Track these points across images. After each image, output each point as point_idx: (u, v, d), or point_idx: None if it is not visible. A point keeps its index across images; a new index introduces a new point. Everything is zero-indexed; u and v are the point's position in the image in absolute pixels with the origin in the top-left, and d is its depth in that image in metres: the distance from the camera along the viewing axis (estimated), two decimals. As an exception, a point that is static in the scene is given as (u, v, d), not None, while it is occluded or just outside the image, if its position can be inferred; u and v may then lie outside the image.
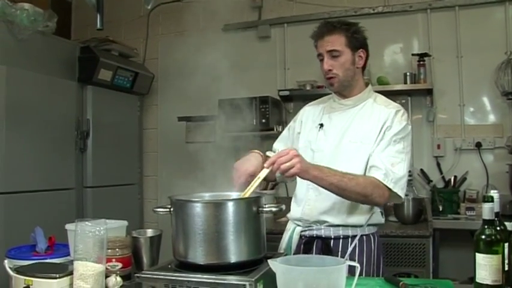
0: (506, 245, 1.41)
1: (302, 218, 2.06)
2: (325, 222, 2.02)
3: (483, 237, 1.42)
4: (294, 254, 2.04)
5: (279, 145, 2.30)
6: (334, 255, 1.95)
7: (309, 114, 2.23)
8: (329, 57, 2.02)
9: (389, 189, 1.91)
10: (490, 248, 1.40)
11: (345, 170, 1.89)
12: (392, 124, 2.00)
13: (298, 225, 2.09)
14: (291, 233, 2.11)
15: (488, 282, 1.39)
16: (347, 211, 2.00)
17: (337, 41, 2.01)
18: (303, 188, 2.09)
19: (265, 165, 1.74)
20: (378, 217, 2.07)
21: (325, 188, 1.85)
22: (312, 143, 2.12)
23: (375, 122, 2.02)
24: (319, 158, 2.04)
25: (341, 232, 2.02)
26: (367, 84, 2.16)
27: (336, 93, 2.14)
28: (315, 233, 2.05)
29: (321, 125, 2.13)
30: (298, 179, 2.07)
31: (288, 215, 2.19)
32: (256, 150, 2.02)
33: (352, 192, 1.85)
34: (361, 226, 2.01)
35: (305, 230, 2.07)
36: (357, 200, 1.93)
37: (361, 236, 2.02)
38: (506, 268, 1.41)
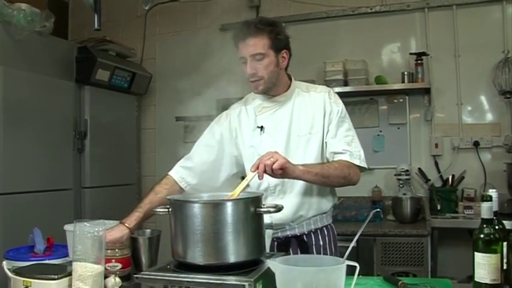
0: (504, 244, 1.42)
1: (273, 223, 2.02)
2: (300, 217, 2.03)
3: (482, 236, 1.42)
4: None
5: (200, 150, 2.18)
6: (310, 249, 2.03)
7: (239, 119, 2.15)
8: (253, 60, 1.96)
9: (357, 165, 2.00)
10: (488, 247, 1.40)
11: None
12: (332, 107, 2.05)
13: (267, 228, 2.01)
14: None
15: (487, 281, 1.39)
16: (317, 198, 2.04)
17: (260, 44, 1.95)
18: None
19: (251, 169, 1.73)
20: (335, 197, 2.16)
21: (310, 180, 1.90)
22: (257, 148, 2.07)
23: (315, 110, 2.05)
24: None
25: (312, 226, 2.06)
26: (289, 77, 2.15)
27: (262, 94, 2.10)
28: (288, 233, 2.05)
29: (261, 128, 2.08)
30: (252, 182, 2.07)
31: None
32: (125, 223, 1.91)
33: (334, 177, 1.93)
34: (326, 213, 2.09)
35: (277, 232, 2.05)
36: (338, 183, 2.00)
37: (327, 225, 2.10)
38: (505, 267, 1.41)
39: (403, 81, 3.80)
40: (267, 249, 1.99)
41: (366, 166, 2.03)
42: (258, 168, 1.70)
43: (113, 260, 1.71)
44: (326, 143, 2.03)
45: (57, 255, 1.90)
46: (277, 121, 2.07)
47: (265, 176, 1.78)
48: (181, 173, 2.13)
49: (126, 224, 1.88)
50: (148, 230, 1.99)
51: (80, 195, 3.79)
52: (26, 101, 3.25)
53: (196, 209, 1.53)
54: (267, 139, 2.06)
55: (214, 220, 1.50)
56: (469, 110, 3.83)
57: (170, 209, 1.60)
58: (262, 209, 1.59)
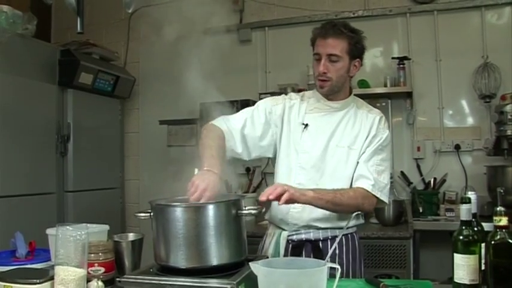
0: (483, 245, 1.44)
1: (290, 221, 2.03)
2: (315, 227, 2.03)
3: (461, 237, 1.44)
4: None
5: (247, 119, 2.11)
6: (325, 256, 1.97)
7: (290, 111, 2.14)
8: (327, 60, 1.99)
9: (376, 197, 1.98)
10: (467, 248, 1.43)
11: (334, 175, 2.00)
12: (377, 132, 2.06)
13: (284, 230, 2.06)
14: (278, 237, 2.08)
15: (466, 281, 1.42)
16: (337, 216, 2.02)
17: (339, 46, 1.98)
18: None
19: (260, 198, 1.72)
20: (361, 218, 2.12)
21: (322, 207, 1.89)
22: (295, 144, 2.08)
23: (361, 128, 2.06)
24: (304, 160, 2.04)
25: (329, 233, 2.04)
26: (350, 89, 2.17)
27: (323, 95, 2.12)
28: (303, 236, 2.04)
29: (306, 125, 2.09)
30: (278, 178, 2.10)
31: (268, 218, 2.15)
32: (211, 168, 1.78)
33: (346, 205, 1.91)
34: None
35: (292, 234, 2.05)
36: (350, 211, 1.96)
37: (346, 234, 2.06)
38: (483, 268, 1.44)
39: (385, 85, 3.84)
40: (282, 251, 2.03)
41: (386, 201, 2.03)
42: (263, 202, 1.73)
43: (96, 264, 1.71)
44: (358, 163, 2.03)
45: (39, 260, 1.89)
46: (322, 124, 2.08)
47: (290, 176, 2.01)
48: (226, 128, 2.07)
49: (215, 171, 1.77)
50: (131, 234, 1.99)
51: (63, 199, 3.76)
52: (8, 104, 3.22)
53: (178, 212, 1.54)
54: (307, 138, 2.07)
55: (195, 223, 1.51)
56: (450, 114, 3.88)
57: (152, 213, 1.60)
58: (243, 212, 1.60)
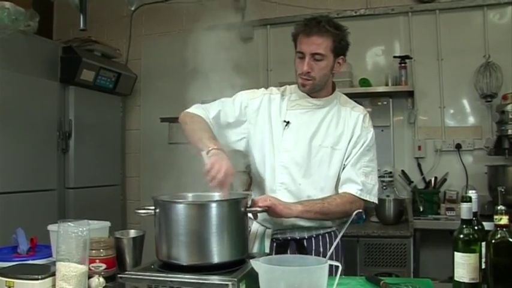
0: (483, 244, 1.45)
1: (274, 221, 1.99)
2: (300, 227, 2.01)
3: (461, 236, 1.45)
4: None
5: (224, 107, 2.09)
6: (309, 254, 1.99)
7: (270, 106, 2.09)
8: (311, 58, 1.93)
9: (365, 200, 1.99)
10: (467, 247, 1.43)
11: (316, 175, 1.98)
12: (362, 133, 2.02)
13: (268, 228, 2.03)
14: (262, 236, 2.04)
15: (466, 280, 1.42)
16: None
17: (323, 44, 1.92)
18: (270, 189, 2.02)
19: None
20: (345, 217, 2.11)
21: (310, 218, 1.91)
22: (277, 141, 2.04)
23: (344, 128, 2.02)
24: (286, 159, 2.00)
25: (314, 232, 2.03)
26: (333, 85, 2.11)
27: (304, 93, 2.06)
28: (288, 235, 2.03)
29: (287, 123, 2.04)
30: (266, 179, 2.07)
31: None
32: (219, 147, 1.78)
33: (335, 213, 1.93)
34: (330, 226, 2.06)
35: (277, 233, 2.03)
36: (338, 218, 2.01)
37: (330, 232, 2.07)
38: (483, 266, 1.44)
39: (387, 84, 3.85)
40: (267, 249, 2.01)
41: (375, 201, 2.03)
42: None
43: (97, 260, 1.71)
44: (344, 165, 2.01)
45: (40, 256, 1.90)
46: (305, 122, 2.03)
47: (274, 175, 1.98)
48: (205, 114, 2.07)
49: (222, 149, 1.77)
50: (132, 231, 1.99)
51: (64, 195, 3.77)
52: (10, 101, 3.22)
53: (182, 209, 1.54)
54: (289, 136, 2.02)
55: (199, 221, 1.51)
56: (452, 113, 3.88)
57: (156, 209, 1.61)
58: (248, 210, 1.60)
